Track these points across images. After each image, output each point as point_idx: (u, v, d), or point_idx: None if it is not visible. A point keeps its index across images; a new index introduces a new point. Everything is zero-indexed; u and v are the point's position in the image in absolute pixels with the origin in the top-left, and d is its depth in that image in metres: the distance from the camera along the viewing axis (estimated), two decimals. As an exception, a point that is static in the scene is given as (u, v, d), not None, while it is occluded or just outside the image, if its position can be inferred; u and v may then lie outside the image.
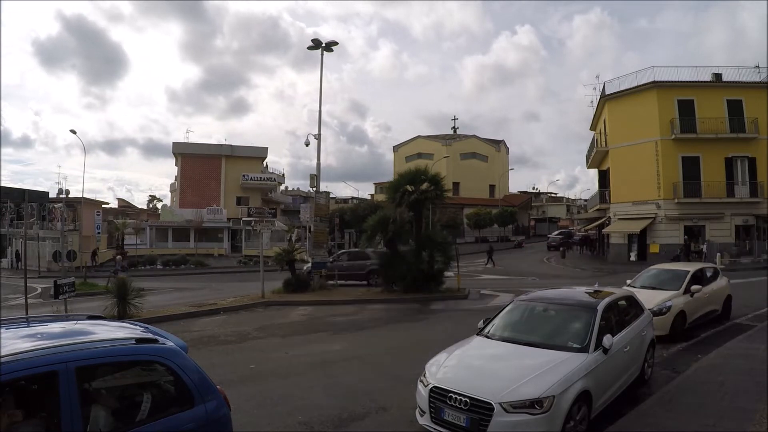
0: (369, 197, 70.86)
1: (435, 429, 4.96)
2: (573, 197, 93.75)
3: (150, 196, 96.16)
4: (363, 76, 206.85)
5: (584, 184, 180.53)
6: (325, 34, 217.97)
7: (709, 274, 11.45)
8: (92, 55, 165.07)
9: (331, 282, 20.19)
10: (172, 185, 55.85)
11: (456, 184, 55.39)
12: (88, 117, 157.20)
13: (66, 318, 4.35)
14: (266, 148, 54.04)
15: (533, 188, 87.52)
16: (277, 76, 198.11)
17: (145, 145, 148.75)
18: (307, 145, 21.99)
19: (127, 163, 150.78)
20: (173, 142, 51.39)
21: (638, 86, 30.90)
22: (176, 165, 51.12)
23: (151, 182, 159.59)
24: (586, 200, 62.00)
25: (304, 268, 20.90)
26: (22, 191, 11.49)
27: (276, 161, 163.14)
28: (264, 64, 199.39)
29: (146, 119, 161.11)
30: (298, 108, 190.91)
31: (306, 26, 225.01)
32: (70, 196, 39.03)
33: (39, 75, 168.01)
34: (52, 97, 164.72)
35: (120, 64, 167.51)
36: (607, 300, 6.40)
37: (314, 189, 21.07)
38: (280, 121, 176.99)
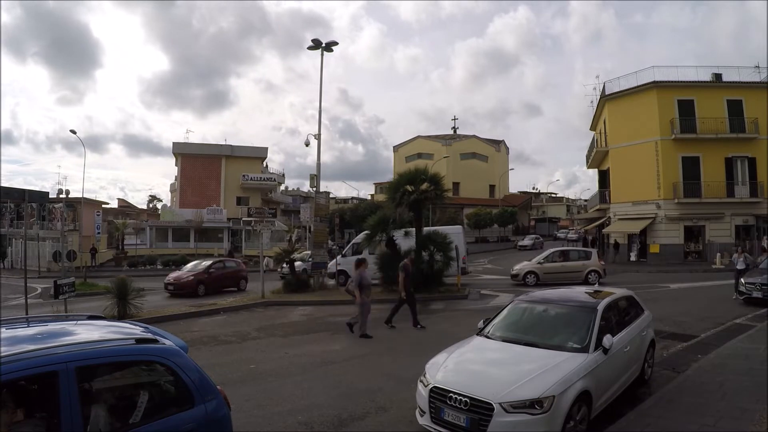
0: (369, 197, 70.89)
1: (435, 429, 4.96)
2: (573, 197, 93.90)
3: (150, 196, 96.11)
4: (352, 65, 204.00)
5: (584, 184, 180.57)
6: (306, 11, 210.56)
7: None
8: (63, 44, 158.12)
9: (331, 282, 20.21)
10: (172, 185, 55.86)
11: (456, 184, 55.42)
12: (66, 111, 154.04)
13: (66, 318, 4.35)
14: (266, 148, 54.21)
15: (533, 188, 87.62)
16: (260, 65, 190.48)
17: (129, 141, 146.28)
18: (307, 145, 21.99)
19: (113, 161, 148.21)
20: (173, 143, 51.47)
21: (638, 86, 30.89)
22: (176, 165, 51.15)
23: (144, 181, 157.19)
24: (586, 200, 62.06)
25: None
26: (22, 191, 11.45)
27: (268, 158, 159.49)
28: (245, 50, 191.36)
29: (125, 113, 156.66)
30: (284, 102, 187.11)
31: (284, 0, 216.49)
32: (69, 196, 38.94)
33: (9, 66, 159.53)
34: (27, 90, 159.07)
35: (93, 56, 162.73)
36: (607, 300, 6.40)
37: (314, 189, 21.07)
38: (265, 115, 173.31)
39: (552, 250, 23.02)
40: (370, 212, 29.35)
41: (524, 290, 15.30)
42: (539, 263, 21.32)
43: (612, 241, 32.73)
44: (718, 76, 30.58)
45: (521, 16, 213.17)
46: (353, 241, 24.19)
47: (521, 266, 21.64)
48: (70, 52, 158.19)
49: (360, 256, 13.68)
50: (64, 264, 22.73)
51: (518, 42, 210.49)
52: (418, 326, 11.78)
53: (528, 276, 20.82)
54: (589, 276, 20.30)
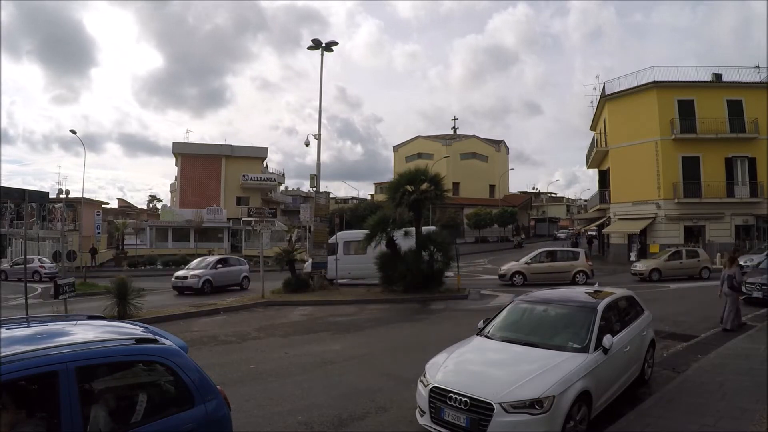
0: (369, 197, 70.91)
1: (435, 429, 4.96)
2: (573, 197, 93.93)
3: (150, 196, 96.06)
4: (349, 62, 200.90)
5: (584, 184, 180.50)
6: (301, 7, 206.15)
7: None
8: (57, 42, 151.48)
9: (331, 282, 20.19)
10: (172, 185, 55.88)
11: (456, 184, 55.37)
12: (62, 110, 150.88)
13: (66, 318, 4.35)
14: (266, 148, 54.27)
15: (533, 188, 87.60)
16: (256, 63, 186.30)
17: (126, 141, 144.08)
18: (307, 145, 22.01)
19: (110, 161, 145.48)
20: (173, 143, 51.48)
21: (638, 86, 30.91)
22: (176, 165, 51.16)
23: (144, 181, 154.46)
24: (586, 200, 62.09)
25: (304, 266, 20.89)
26: (22, 191, 11.44)
27: (267, 158, 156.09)
28: (241, 47, 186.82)
29: (121, 112, 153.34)
30: (281, 101, 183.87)
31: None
32: (68, 196, 38.93)
33: (4, 65, 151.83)
34: (23, 89, 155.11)
35: (88, 53, 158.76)
36: (607, 300, 6.40)
37: (314, 189, 21.07)
38: (262, 114, 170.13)
39: (539, 250, 22.74)
40: (370, 212, 29.36)
41: (524, 290, 15.30)
42: (527, 263, 21.17)
43: (587, 236, 32.60)
44: (718, 76, 30.59)
45: (520, 14, 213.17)
46: None
47: (509, 266, 21.51)
48: (64, 50, 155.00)
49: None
50: (64, 264, 22.76)
51: (517, 39, 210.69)
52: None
53: (515, 276, 20.73)
54: (577, 276, 20.15)
